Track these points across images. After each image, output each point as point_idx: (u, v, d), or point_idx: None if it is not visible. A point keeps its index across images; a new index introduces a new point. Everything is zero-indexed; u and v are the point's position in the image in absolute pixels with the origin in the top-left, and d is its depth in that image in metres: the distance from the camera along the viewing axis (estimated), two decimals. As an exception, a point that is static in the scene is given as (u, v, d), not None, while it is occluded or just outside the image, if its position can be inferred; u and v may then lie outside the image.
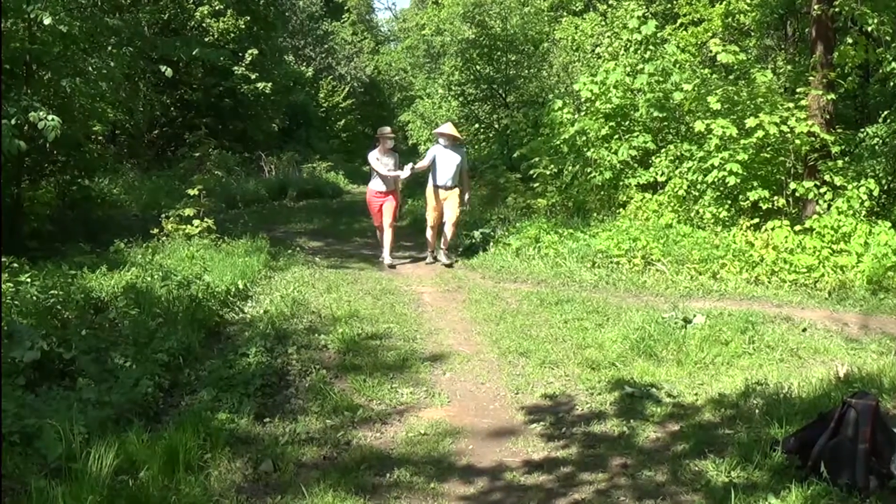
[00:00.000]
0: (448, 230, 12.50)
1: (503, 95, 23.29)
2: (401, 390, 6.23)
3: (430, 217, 12.58)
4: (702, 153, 12.83)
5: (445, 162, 12.28)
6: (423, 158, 13.22)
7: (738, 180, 12.08)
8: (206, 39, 25.31)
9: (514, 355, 7.16)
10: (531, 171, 16.10)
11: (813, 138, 12.15)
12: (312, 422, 5.49)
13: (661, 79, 14.40)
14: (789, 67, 16.39)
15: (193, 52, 16.68)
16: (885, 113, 13.09)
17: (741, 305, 9.00)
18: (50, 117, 9.71)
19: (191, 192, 13.59)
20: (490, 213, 15.83)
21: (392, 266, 12.26)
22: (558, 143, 15.42)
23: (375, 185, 12.63)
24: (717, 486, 4.41)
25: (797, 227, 11.37)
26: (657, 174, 13.98)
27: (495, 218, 15.11)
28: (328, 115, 42.89)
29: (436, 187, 12.41)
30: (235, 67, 26.95)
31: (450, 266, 12.18)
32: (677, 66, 14.67)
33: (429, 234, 12.69)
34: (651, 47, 15.30)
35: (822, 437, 4.42)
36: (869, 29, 12.06)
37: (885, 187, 12.29)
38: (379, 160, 12.50)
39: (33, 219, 13.29)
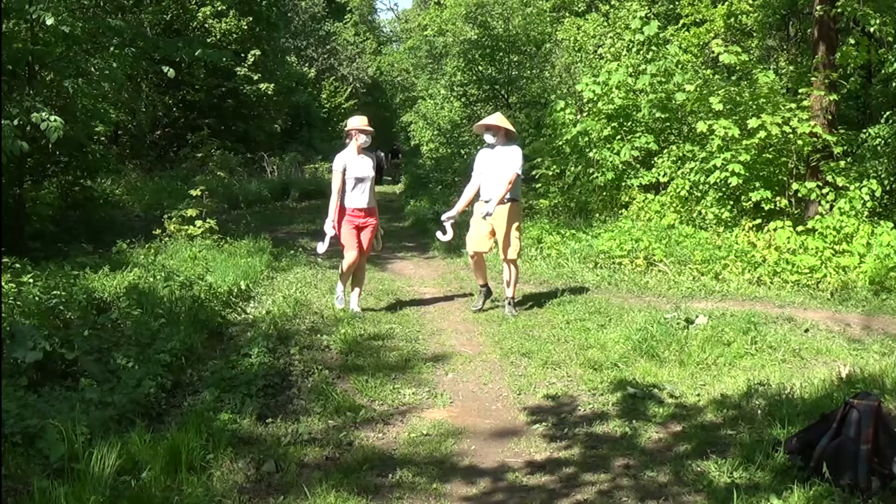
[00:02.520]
0: (506, 270, 8.93)
1: (505, 96, 23.31)
2: (403, 391, 6.22)
3: (470, 244, 8.99)
4: (704, 154, 12.85)
5: (489, 166, 8.79)
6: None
7: (741, 181, 12.09)
8: (209, 40, 25.36)
9: (517, 356, 7.16)
10: (533, 172, 16.10)
11: (815, 139, 12.16)
12: (315, 422, 5.48)
13: (663, 79, 14.42)
14: (791, 68, 16.40)
15: (196, 53, 16.68)
16: (888, 113, 13.10)
17: (743, 306, 8.99)
18: (52, 118, 9.73)
19: (193, 192, 13.63)
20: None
21: (359, 315, 8.63)
22: (561, 143, 15.43)
23: (352, 200, 8.75)
24: (719, 487, 4.40)
25: (799, 228, 11.38)
26: (659, 175, 13.99)
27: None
28: (330, 116, 43.02)
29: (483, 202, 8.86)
30: (238, 68, 27.03)
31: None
32: (679, 66, 14.70)
33: (471, 265, 9.19)
34: (653, 48, 15.32)
35: (824, 438, 4.41)
36: (871, 29, 12.08)
37: (888, 188, 12.29)
38: (351, 165, 8.71)
39: (36, 219, 13.33)
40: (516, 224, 8.78)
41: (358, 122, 8.97)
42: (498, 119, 8.94)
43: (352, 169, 8.69)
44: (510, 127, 8.87)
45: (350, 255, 8.78)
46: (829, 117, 12.47)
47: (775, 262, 10.66)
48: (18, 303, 6.58)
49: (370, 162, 8.89)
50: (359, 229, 8.83)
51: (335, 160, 8.79)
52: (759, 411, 5.50)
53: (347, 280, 8.96)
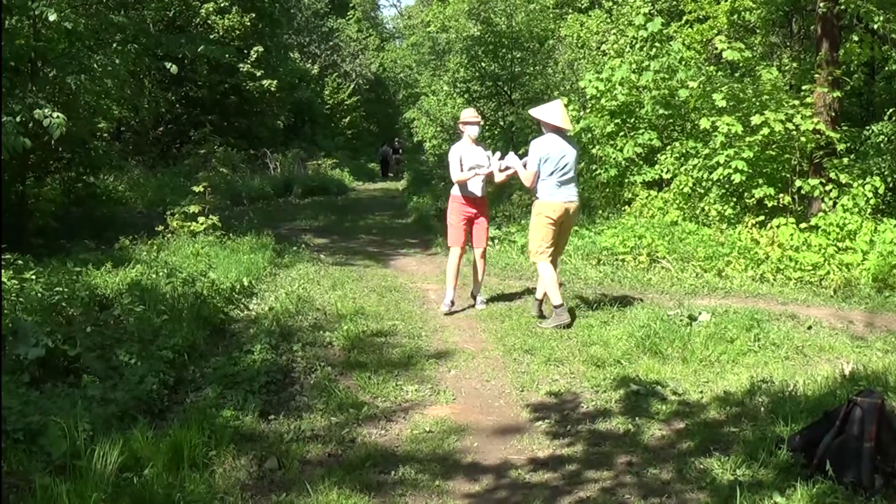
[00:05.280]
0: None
1: (508, 93, 23.24)
2: (406, 387, 6.22)
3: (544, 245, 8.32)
4: (707, 150, 12.83)
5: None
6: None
7: (744, 178, 12.07)
8: (212, 36, 25.39)
9: (520, 352, 7.15)
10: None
11: (818, 136, 12.14)
12: (317, 419, 5.48)
13: (666, 76, 14.38)
14: (795, 65, 16.36)
15: (199, 49, 16.69)
16: (891, 110, 13.08)
17: (746, 303, 8.98)
18: (55, 114, 9.73)
19: (196, 188, 13.61)
20: (495, 211, 15.82)
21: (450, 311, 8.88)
22: (563, 140, 15.38)
23: (465, 188, 8.97)
24: (722, 484, 4.39)
25: (802, 225, 11.36)
26: (662, 171, 13.97)
27: (500, 215, 15.11)
28: (333, 113, 43.03)
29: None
30: (241, 64, 27.04)
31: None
32: (683, 63, 14.65)
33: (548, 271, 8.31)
34: (657, 44, 15.27)
35: (827, 436, 4.40)
36: (875, 26, 12.05)
37: (891, 185, 12.27)
38: (466, 155, 8.90)
39: (38, 216, 13.32)
40: (532, 222, 8.45)
41: (468, 114, 9.16)
42: (535, 111, 8.63)
43: (467, 158, 8.85)
44: (543, 118, 8.38)
45: (454, 252, 8.97)
46: (833, 114, 12.45)
47: (778, 259, 10.65)
48: (21, 299, 6.58)
49: (482, 152, 9.01)
50: (469, 222, 8.96)
51: (451, 150, 9.02)
52: (763, 409, 5.49)
53: (455, 279, 8.98)
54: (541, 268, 8.30)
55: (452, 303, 8.94)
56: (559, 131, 8.32)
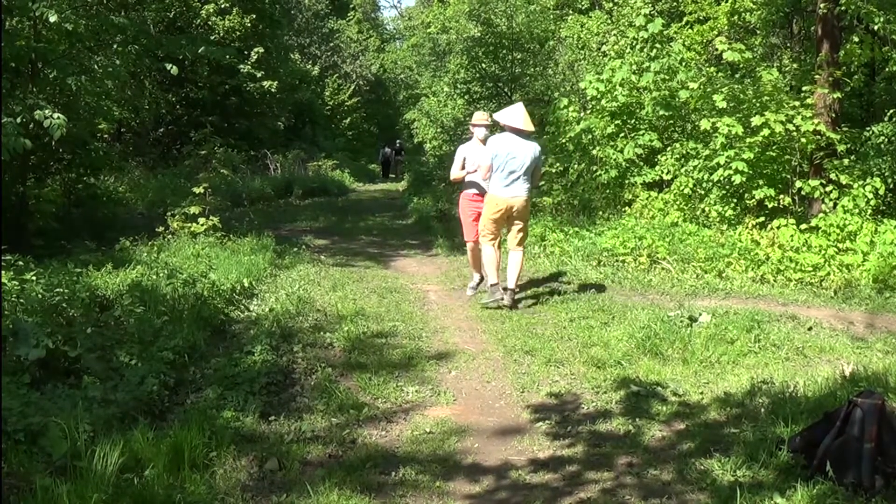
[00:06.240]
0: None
1: (509, 94, 23.24)
2: (406, 388, 6.22)
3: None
4: (707, 151, 12.83)
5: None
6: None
7: (744, 179, 12.07)
8: (212, 37, 25.36)
9: (520, 353, 7.15)
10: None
11: (819, 137, 12.14)
12: (318, 420, 5.48)
13: (666, 77, 14.37)
14: (795, 66, 16.38)
15: (199, 50, 16.69)
16: (891, 111, 13.08)
17: (747, 304, 8.98)
18: (55, 115, 9.73)
19: (196, 190, 13.59)
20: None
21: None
22: (564, 141, 15.40)
23: (475, 186, 9.65)
24: (722, 485, 4.39)
25: (803, 226, 11.37)
26: (663, 172, 13.96)
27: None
28: (334, 114, 43.04)
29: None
30: (241, 65, 27.02)
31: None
32: (683, 64, 14.65)
33: (490, 253, 9.24)
34: (657, 45, 15.26)
35: (827, 437, 4.40)
36: (875, 27, 12.05)
37: (891, 186, 12.27)
38: (470, 155, 9.63)
39: (39, 217, 13.31)
40: (482, 211, 9.35)
41: (476, 117, 9.98)
42: (497, 114, 9.36)
43: (471, 158, 9.58)
44: (502, 120, 9.08)
45: (469, 246, 9.82)
46: (833, 115, 12.45)
47: (779, 259, 10.65)
48: (21, 300, 6.57)
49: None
50: (479, 216, 9.48)
51: (458, 149, 9.95)
52: (763, 409, 5.49)
53: (477, 265, 9.77)
54: (484, 249, 9.21)
55: (476, 286, 9.81)
56: (518, 132, 8.91)
